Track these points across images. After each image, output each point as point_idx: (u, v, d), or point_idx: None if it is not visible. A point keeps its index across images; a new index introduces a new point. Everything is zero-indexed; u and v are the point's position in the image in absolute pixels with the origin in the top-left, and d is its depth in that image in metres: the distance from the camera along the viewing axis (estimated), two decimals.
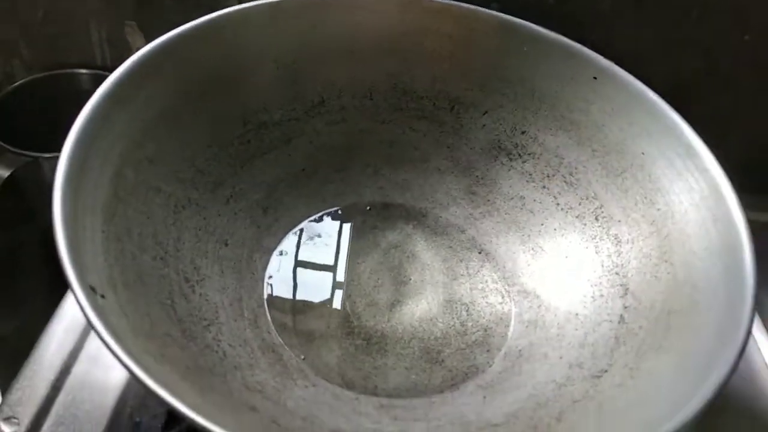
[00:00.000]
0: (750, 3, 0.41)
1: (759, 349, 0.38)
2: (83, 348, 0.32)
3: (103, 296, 0.22)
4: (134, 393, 0.31)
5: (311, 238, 0.35)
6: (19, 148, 0.50)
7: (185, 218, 0.30)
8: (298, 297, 0.32)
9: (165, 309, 0.26)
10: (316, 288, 0.33)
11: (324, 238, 0.35)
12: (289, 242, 0.34)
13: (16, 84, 0.56)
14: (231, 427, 0.18)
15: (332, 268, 0.34)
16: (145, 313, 0.24)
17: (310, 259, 0.34)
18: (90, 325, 0.19)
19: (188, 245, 0.30)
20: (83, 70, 0.57)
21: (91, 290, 0.21)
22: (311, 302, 0.32)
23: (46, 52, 0.58)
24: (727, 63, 0.44)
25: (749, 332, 0.22)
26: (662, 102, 0.31)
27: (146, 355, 0.21)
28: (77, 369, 0.32)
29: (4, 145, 0.50)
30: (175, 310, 0.26)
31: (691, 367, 0.22)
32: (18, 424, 0.29)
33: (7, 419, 0.29)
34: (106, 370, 0.32)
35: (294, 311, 0.32)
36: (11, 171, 0.48)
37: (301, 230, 0.35)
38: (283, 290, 0.32)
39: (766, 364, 0.37)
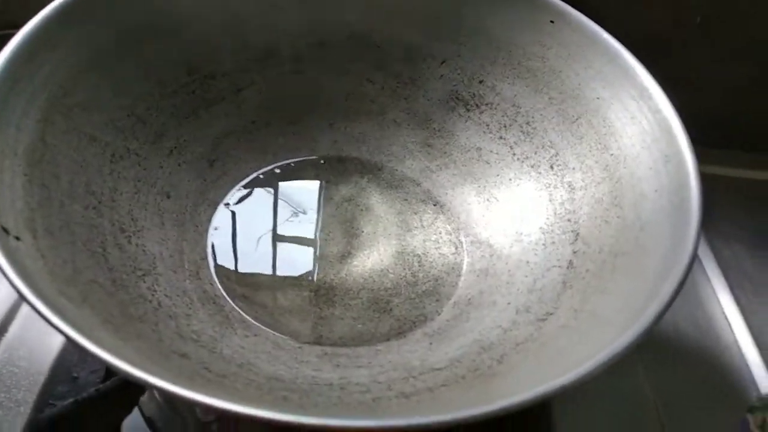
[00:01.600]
0: None
1: (719, 301, 0.38)
2: (21, 306, 0.31)
3: (17, 238, 0.21)
4: (72, 350, 0.30)
5: (261, 192, 0.34)
6: None
7: (123, 169, 0.29)
8: (244, 250, 0.31)
9: (95, 257, 0.25)
10: (263, 240, 0.32)
11: (274, 192, 0.34)
12: (236, 196, 0.33)
13: None
14: (149, 370, 0.17)
15: (280, 220, 0.33)
16: (70, 259, 0.23)
17: (258, 212, 0.33)
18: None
19: (126, 196, 0.29)
20: (14, 31, 0.55)
21: (3, 231, 0.20)
22: (258, 255, 0.31)
23: None
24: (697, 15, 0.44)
25: (689, 269, 0.21)
26: (618, 44, 0.30)
27: (62, 297, 0.20)
28: (14, 327, 0.31)
29: None
30: (107, 259, 0.25)
31: (632, 306, 0.22)
32: None
33: None
34: (44, 328, 0.31)
35: (239, 264, 0.31)
36: None
37: (250, 183, 0.34)
38: (228, 243, 0.31)
39: (724, 315, 0.37)
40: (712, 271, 0.39)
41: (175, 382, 0.17)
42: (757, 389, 0.33)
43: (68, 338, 0.17)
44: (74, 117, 0.27)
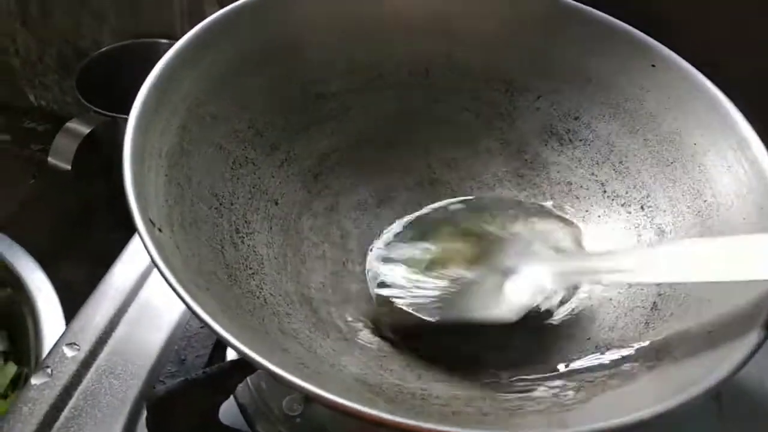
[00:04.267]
0: None
1: None
2: (142, 289, 0.35)
3: (160, 230, 0.24)
4: (182, 334, 0.33)
5: (358, 208, 0.36)
6: (100, 108, 0.54)
7: (241, 175, 0.32)
8: (340, 259, 0.34)
9: (215, 252, 0.28)
10: (357, 252, 0.34)
11: (371, 209, 0.36)
12: (337, 208, 0.36)
13: (102, 50, 0.60)
14: (263, 355, 0.20)
15: (374, 237, 0.35)
16: (197, 252, 0.26)
17: (354, 226, 0.35)
18: (146, 250, 0.21)
19: (242, 200, 0.32)
20: (164, 40, 0.60)
21: (150, 223, 0.23)
22: (352, 265, 0.34)
23: (133, 22, 0.62)
24: None
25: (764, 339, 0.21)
26: (719, 92, 0.30)
27: (193, 285, 0.23)
28: (133, 308, 0.35)
29: (87, 104, 0.54)
30: (224, 256, 0.28)
31: (713, 354, 0.22)
32: (78, 349, 0.32)
33: (69, 344, 0.32)
34: (159, 312, 0.34)
35: (335, 273, 0.33)
36: (91, 128, 0.52)
37: (350, 198, 0.36)
38: (327, 252, 0.34)
39: None
40: None
41: (285, 369, 0.19)
42: None
43: (204, 323, 0.20)
44: (206, 126, 0.31)
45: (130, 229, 0.34)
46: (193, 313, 0.20)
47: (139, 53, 0.60)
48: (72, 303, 0.45)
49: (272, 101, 0.34)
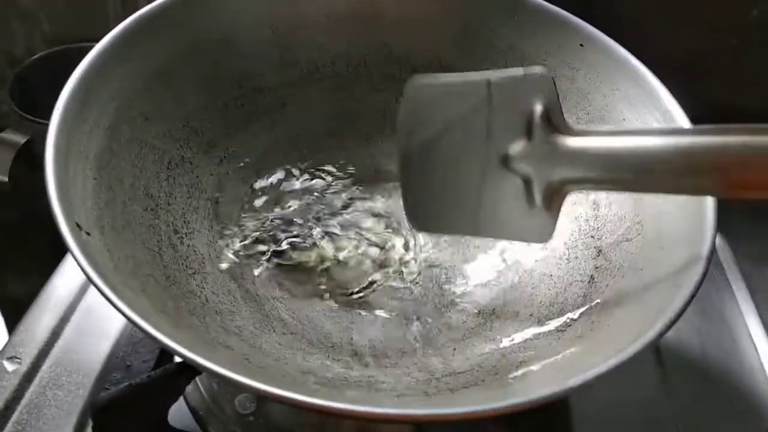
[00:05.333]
0: None
1: (746, 324, 0.38)
2: (82, 299, 0.34)
3: (88, 233, 0.23)
4: (126, 340, 0.32)
5: (303, 201, 0.36)
6: (37, 116, 0.52)
7: (178, 175, 0.32)
8: (282, 255, 0.33)
9: (151, 254, 0.27)
10: (302, 247, 0.34)
11: (315, 202, 0.36)
12: (281, 203, 0.35)
13: (35, 56, 0.58)
14: (200, 354, 0.20)
15: (321, 231, 0.35)
16: (131, 255, 0.26)
17: (298, 219, 0.35)
18: (72, 255, 0.21)
19: (180, 200, 0.31)
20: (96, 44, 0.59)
21: (76, 227, 0.23)
22: (297, 259, 0.33)
23: (66, 26, 0.60)
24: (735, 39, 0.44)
25: (697, 289, 0.22)
26: (642, 67, 0.31)
27: (125, 288, 0.22)
28: (76, 317, 0.34)
29: (22, 113, 0.52)
30: (161, 257, 0.28)
31: (643, 320, 0.23)
32: (20, 363, 0.31)
33: (10, 358, 0.31)
34: (103, 319, 0.34)
35: (280, 267, 0.33)
36: (27, 138, 0.50)
37: (292, 192, 0.36)
38: (271, 247, 0.33)
39: (750, 338, 0.37)
40: (740, 293, 0.40)
41: (224, 366, 0.19)
42: None
43: (134, 323, 0.19)
44: (137, 126, 0.30)
45: None
46: (122, 314, 0.20)
47: (73, 59, 0.58)
48: (16, 318, 0.44)
49: (207, 98, 0.34)
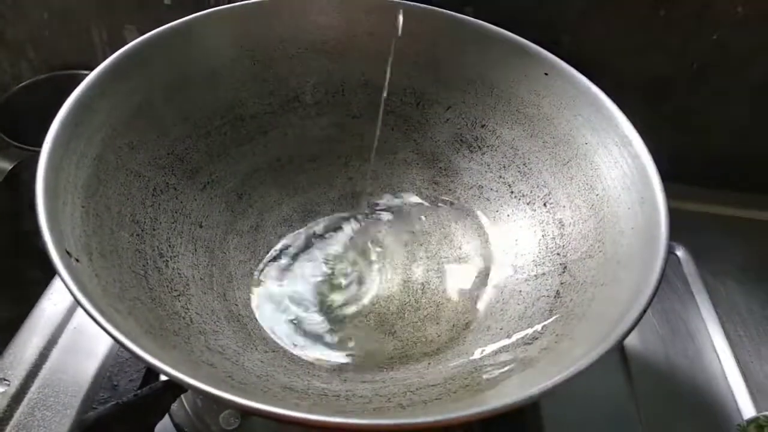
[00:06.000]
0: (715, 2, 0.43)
1: (709, 333, 0.40)
2: (70, 321, 0.35)
3: (77, 260, 0.25)
4: (113, 361, 0.33)
5: (282, 223, 0.38)
6: (24, 143, 0.53)
7: (163, 201, 0.33)
8: (265, 274, 0.35)
9: (138, 278, 0.29)
10: (282, 267, 0.35)
11: (294, 224, 0.38)
12: (263, 226, 0.37)
13: (21, 84, 0.59)
14: (184, 372, 0.21)
15: (300, 250, 0.37)
16: (118, 279, 0.27)
17: (278, 240, 0.37)
18: (62, 280, 0.22)
19: (164, 225, 0.33)
20: (85, 71, 0.60)
21: (66, 254, 0.24)
22: (277, 279, 0.35)
23: (51, 54, 0.61)
24: (697, 63, 0.47)
25: (651, 301, 0.24)
26: (602, 95, 0.33)
27: (113, 311, 0.24)
28: (63, 339, 0.35)
29: (8, 140, 0.53)
30: (147, 280, 0.29)
31: (603, 331, 0.24)
32: (9, 384, 0.32)
33: None
34: (90, 341, 0.35)
35: (260, 287, 0.34)
36: (14, 164, 0.51)
37: (272, 215, 0.38)
38: (252, 268, 0.35)
39: (713, 346, 0.39)
40: (703, 305, 0.42)
41: (206, 383, 0.20)
42: (741, 416, 0.35)
43: (121, 344, 0.21)
44: (123, 156, 0.31)
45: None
46: (111, 336, 0.21)
47: (59, 86, 0.60)
48: (3, 341, 0.45)
49: (190, 127, 0.35)
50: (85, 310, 0.22)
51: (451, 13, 0.37)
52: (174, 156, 0.35)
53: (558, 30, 0.45)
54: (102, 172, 0.30)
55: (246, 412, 0.21)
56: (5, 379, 0.32)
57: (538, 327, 0.29)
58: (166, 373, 0.20)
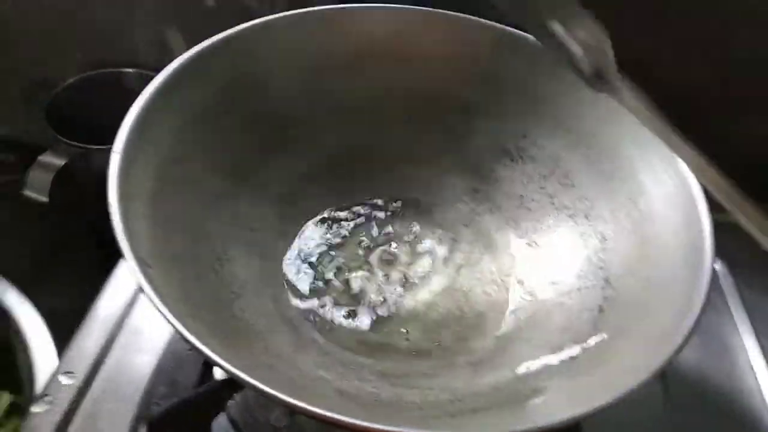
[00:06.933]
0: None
1: (744, 347, 0.41)
2: (129, 316, 0.37)
3: (149, 266, 0.26)
4: (171, 356, 0.35)
5: (330, 227, 0.39)
6: (72, 140, 0.55)
7: (218, 207, 0.35)
8: (312, 278, 0.36)
9: (198, 282, 0.30)
10: (329, 271, 0.37)
11: (341, 227, 0.39)
12: (308, 230, 0.38)
13: (69, 81, 0.61)
14: (254, 376, 0.23)
15: (345, 255, 0.38)
16: (181, 284, 0.29)
17: (326, 245, 0.38)
18: (141, 290, 0.24)
19: (219, 230, 0.34)
20: (129, 69, 0.62)
21: (142, 261, 0.25)
22: (324, 283, 0.36)
23: (96, 52, 0.63)
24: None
25: (696, 325, 0.25)
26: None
27: (187, 316, 0.25)
28: (123, 335, 0.37)
29: (60, 137, 0.55)
30: (207, 284, 0.31)
31: (649, 350, 0.25)
32: (75, 377, 0.34)
33: (66, 373, 0.34)
34: (148, 337, 0.37)
35: (309, 290, 0.36)
36: (65, 161, 0.53)
37: (321, 220, 0.39)
38: (301, 271, 0.36)
39: (749, 361, 0.40)
40: (740, 320, 0.42)
41: (271, 386, 0.22)
42: None
43: (198, 350, 0.22)
44: (182, 163, 0.33)
45: (107, 258, 0.36)
46: (189, 342, 0.23)
47: (106, 83, 0.62)
48: (55, 331, 0.47)
49: (244, 134, 0.37)
50: (165, 317, 0.23)
51: (502, 26, 0.38)
52: (229, 162, 0.36)
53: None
54: (164, 179, 0.31)
55: (310, 417, 0.22)
56: (71, 372, 0.34)
57: (583, 341, 0.30)
58: (241, 380, 0.22)
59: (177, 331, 0.23)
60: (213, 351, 0.23)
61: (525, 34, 0.38)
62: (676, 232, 0.30)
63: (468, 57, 0.39)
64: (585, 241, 0.35)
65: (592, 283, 0.33)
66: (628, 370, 0.25)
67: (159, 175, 0.31)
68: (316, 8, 0.37)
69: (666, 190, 0.32)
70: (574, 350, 0.30)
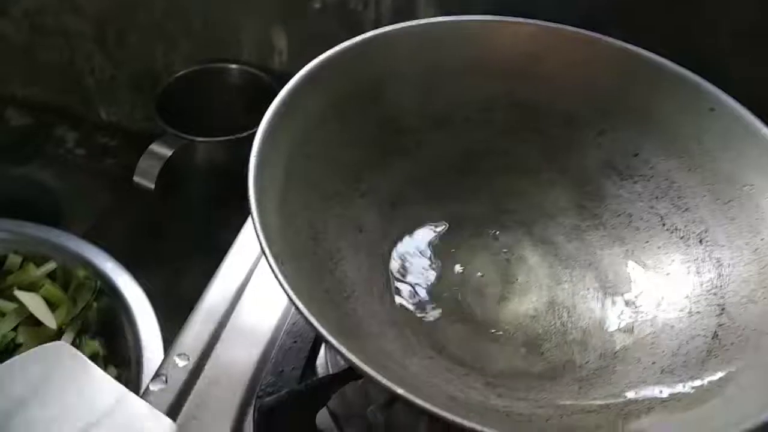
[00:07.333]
0: None
1: None
2: (238, 303, 0.39)
3: (282, 263, 0.28)
4: (277, 348, 0.37)
5: (435, 233, 0.40)
6: (177, 130, 0.58)
7: (331, 207, 0.36)
8: (416, 282, 0.37)
9: (315, 280, 0.32)
10: (433, 276, 0.38)
11: (443, 235, 0.40)
12: (414, 235, 0.39)
13: (177, 74, 0.64)
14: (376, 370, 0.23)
15: (448, 261, 0.39)
16: (306, 281, 0.30)
17: (429, 250, 0.39)
18: (280, 285, 0.25)
19: (333, 230, 0.35)
20: (233, 65, 0.65)
21: (277, 257, 0.27)
22: (428, 288, 0.37)
23: (202, 47, 0.66)
24: None
25: None
26: None
27: (315, 312, 0.26)
28: (231, 323, 0.38)
29: (167, 128, 0.58)
30: (323, 281, 0.32)
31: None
32: (188, 360, 0.36)
33: (180, 355, 0.36)
34: (254, 327, 0.38)
35: (414, 294, 0.36)
36: (173, 151, 0.56)
37: (423, 226, 0.40)
38: (406, 274, 0.37)
39: None
40: None
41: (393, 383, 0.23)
42: None
43: (330, 345, 0.23)
44: (306, 164, 0.34)
45: (203, 244, 0.38)
46: (321, 336, 0.24)
47: (210, 77, 0.65)
48: (162, 313, 0.50)
49: (358, 138, 0.38)
50: (300, 312, 0.24)
51: (613, 40, 0.38)
52: (342, 165, 0.37)
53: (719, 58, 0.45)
54: (288, 180, 0.33)
55: (437, 419, 0.23)
56: (185, 354, 0.36)
57: (696, 367, 0.30)
58: (374, 380, 0.23)
59: (312, 327, 0.24)
60: (339, 343, 0.24)
61: (648, 53, 0.37)
62: None
63: (581, 71, 0.39)
64: (698, 266, 0.34)
65: (705, 309, 0.32)
66: (746, 407, 0.25)
67: (285, 174, 0.32)
68: (463, 18, 0.38)
69: None
70: (686, 374, 0.30)
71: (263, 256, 0.26)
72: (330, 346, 0.24)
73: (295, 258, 0.31)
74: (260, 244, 0.26)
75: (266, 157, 0.31)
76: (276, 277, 0.25)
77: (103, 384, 0.31)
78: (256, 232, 0.27)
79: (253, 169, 0.29)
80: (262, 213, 0.28)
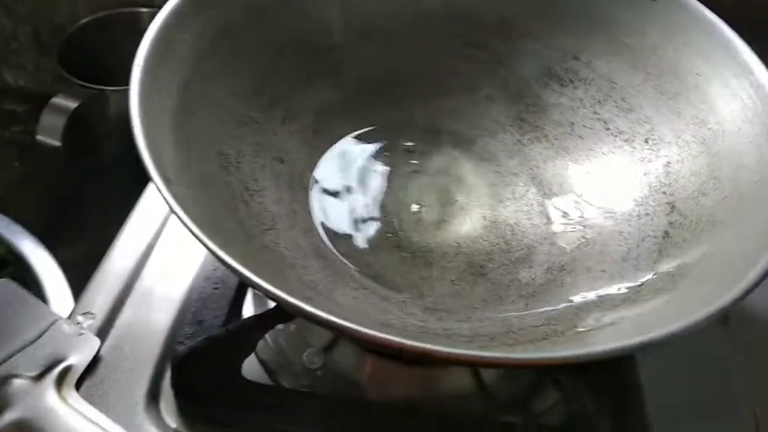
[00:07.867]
0: None
1: None
2: (151, 255, 0.35)
3: (172, 183, 0.24)
4: (197, 296, 0.33)
5: (364, 158, 0.36)
6: (85, 81, 0.53)
7: (245, 134, 0.32)
8: (345, 212, 0.34)
9: (228, 210, 0.28)
10: (364, 204, 0.34)
11: (375, 159, 0.36)
12: (340, 161, 0.36)
13: (81, 22, 0.58)
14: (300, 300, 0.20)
15: (380, 187, 0.35)
16: (212, 210, 0.26)
17: (357, 178, 0.35)
18: (168, 207, 0.21)
19: (248, 159, 0.32)
20: (143, 9, 0.59)
21: (166, 179, 0.23)
22: (359, 217, 0.34)
23: None
24: None
25: None
26: (719, 21, 0.30)
27: (217, 238, 0.23)
28: (145, 273, 0.34)
29: (72, 78, 0.53)
30: (237, 212, 0.28)
31: (729, 272, 0.23)
32: (94, 318, 0.32)
33: (85, 314, 0.32)
34: (171, 276, 0.34)
35: (342, 224, 0.33)
36: (78, 103, 0.51)
37: (349, 151, 0.36)
38: (332, 205, 0.34)
39: None
40: None
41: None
42: None
43: (229, 267, 0.20)
44: (207, 84, 0.30)
45: (125, 203, 0.34)
46: (223, 262, 0.20)
47: (119, 24, 0.59)
48: (74, 279, 0.45)
49: (268, 59, 0.34)
50: (195, 235, 0.21)
51: None
52: (253, 88, 0.33)
53: None
54: (188, 100, 0.29)
55: (370, 343, 0.20)
56: (91, 312, 0.32)
57: (647, 270, 0.27)
58: (285, 302, 0.20)
59: (210, 251, 0.21)
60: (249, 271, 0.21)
61: None
62: (756, 147, 0.27)
63: None
64: (645, 167, 0.32)
65: (654, 209, 0.30)
66: (691, 303, 0.22)
67: (183, 93, 0.28)
68: None
69: (741, 104, 0.29)
70: (637, 277, 0.27)
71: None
72: (231, 270, 0.20)
73: (200, 186, 0.27)
74: (144, 163, 0.22)
75: (154, 72, 0.27)
76: (163, 196, 0.22)
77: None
78: (139, 151, 0.23)
79: (136, 83, 0.25)
80: (150, 133, 0.24)
